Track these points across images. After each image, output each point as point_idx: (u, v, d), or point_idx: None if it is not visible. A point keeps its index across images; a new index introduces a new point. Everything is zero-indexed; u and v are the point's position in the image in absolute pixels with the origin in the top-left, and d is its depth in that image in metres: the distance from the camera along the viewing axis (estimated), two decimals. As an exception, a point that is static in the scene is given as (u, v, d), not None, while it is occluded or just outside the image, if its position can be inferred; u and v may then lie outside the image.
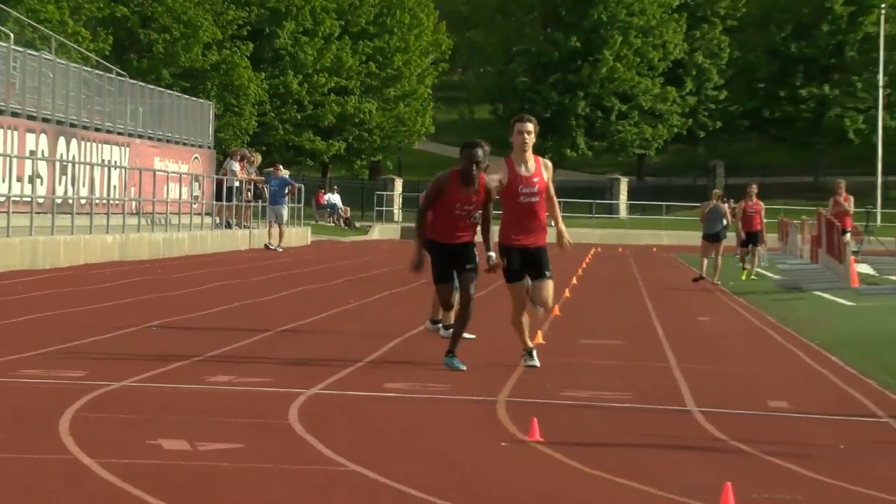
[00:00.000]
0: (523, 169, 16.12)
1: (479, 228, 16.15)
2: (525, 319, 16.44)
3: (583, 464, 10.52)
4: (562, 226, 16.59)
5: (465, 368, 15.52)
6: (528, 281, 16.43)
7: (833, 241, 42.57)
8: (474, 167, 15.45)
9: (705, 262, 37.80)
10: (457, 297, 16.52)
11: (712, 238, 38.21)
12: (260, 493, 9.11)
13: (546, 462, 10.72)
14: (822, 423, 13.73)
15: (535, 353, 16.43)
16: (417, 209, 16.51)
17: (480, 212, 15.86)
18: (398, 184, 66.08)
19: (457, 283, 16.48)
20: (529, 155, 16.14)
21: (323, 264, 41.33)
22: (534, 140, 16.19)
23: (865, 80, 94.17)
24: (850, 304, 30.92)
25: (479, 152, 15.48)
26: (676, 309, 28.38)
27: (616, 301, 30.33)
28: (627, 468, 10.50)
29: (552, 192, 16.46)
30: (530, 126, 16.16)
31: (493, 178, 16.21)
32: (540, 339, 18.08)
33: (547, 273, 16.32)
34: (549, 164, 16.50)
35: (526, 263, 16.28)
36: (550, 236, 16.48)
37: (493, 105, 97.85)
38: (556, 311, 24.90)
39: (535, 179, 16.09)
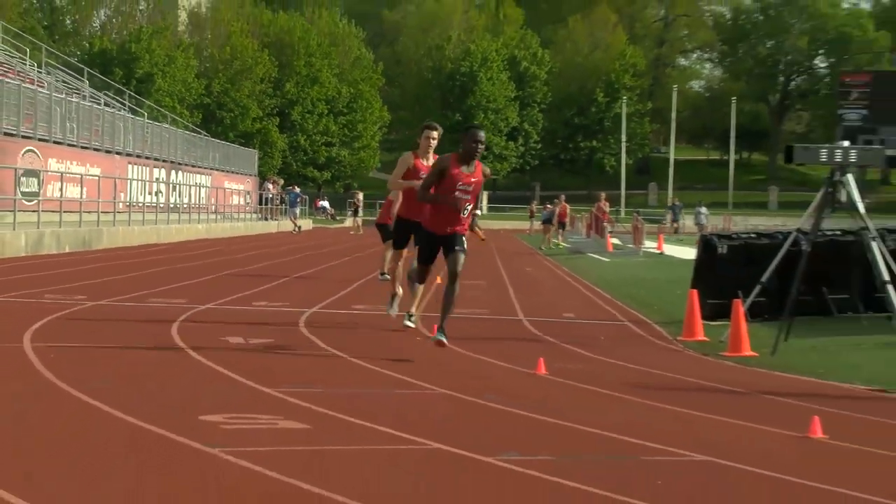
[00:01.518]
0: (424, 162, 11.70)
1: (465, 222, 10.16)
2: (400, 271, 12.43)
3: (462, 348, 10.62)
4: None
5: (445, 341, 9.72)
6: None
7: (598, 226, 43.10)
8: (478, 145, 9.74)
9: (548, 237, 39.77)
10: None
11: (547, 222, 40.30)
12: (287, 363, 9.15)
13: (442, 347, 10.81)
14: (592, 325, 13.89)
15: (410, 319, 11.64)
16: (420, 191, 10.12)
17: (472, 205, 9.95)
18: (360, 195, 66.14)
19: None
20: (432, 153, 11.81)
21: (318, 241, 41.23)
22: (435, 144, 11.89)
23: (615, 138, 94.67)
24: (607, 260, 31.22)
25: (482, 133, 9.95)
26: (513, 264, 28.50)
27: (480, 260, 30.46)
28: (487, 349, 10.62)
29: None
30: (436, 133, 11.87)
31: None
32: (439, 280, 18.11)
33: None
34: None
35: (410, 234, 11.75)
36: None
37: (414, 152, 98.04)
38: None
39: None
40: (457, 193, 9.73)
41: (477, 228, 11.21)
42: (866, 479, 5.71)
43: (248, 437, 6.09)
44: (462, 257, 9.96)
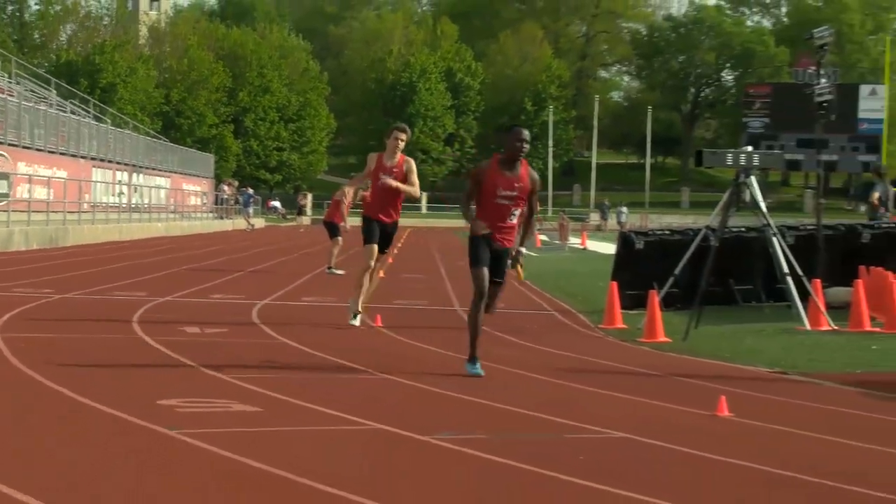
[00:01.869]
0: (388, 162, 10.87)
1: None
2: (365, 284, 11.32)
3: (402, 336, 10.59)
4: (402, 187, 10.80)
5: (482, 374, 8.15)
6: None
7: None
8: (523, 144, 8.09)
9: None
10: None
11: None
12: (240, 351, 9.07)
13: (384, 336, 10.77)
14: (522, 315, 13.89)
15: (359, 317, 11.36)
16: (463, 203, 8.57)
17: (519, 210, 8.35)
18: (309, 196, 65.37)
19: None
20: (398, 154, 10.86)
21: (270, 238, 40.94)
22: (403, 146, 10.85)
23: (543, 143, 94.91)
24: (536, 255, 31.25)
25: (525, 132, 8.18)
26: (450, 259, 28.44)
27: (420, 255, 30.36)
28: (426, 337, 10.58)
29: (413, 179, 10.90)
30: (404, 135, 10.87)
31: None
32: (381, 273, 18.02)
33: (386, 250, 11.31)
34: (412, 162, 10.95)
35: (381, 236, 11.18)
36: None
37: (356, 157, 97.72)
38: (390, 259, 24.85)
39: (395, 171, 10.82)
40: (497, 201, 8.14)
41: (519, 267, 8.80)
42: (768, 453, 5.77)
43: (202, 420, 6.02)
44: (502, 291, 8.50)
